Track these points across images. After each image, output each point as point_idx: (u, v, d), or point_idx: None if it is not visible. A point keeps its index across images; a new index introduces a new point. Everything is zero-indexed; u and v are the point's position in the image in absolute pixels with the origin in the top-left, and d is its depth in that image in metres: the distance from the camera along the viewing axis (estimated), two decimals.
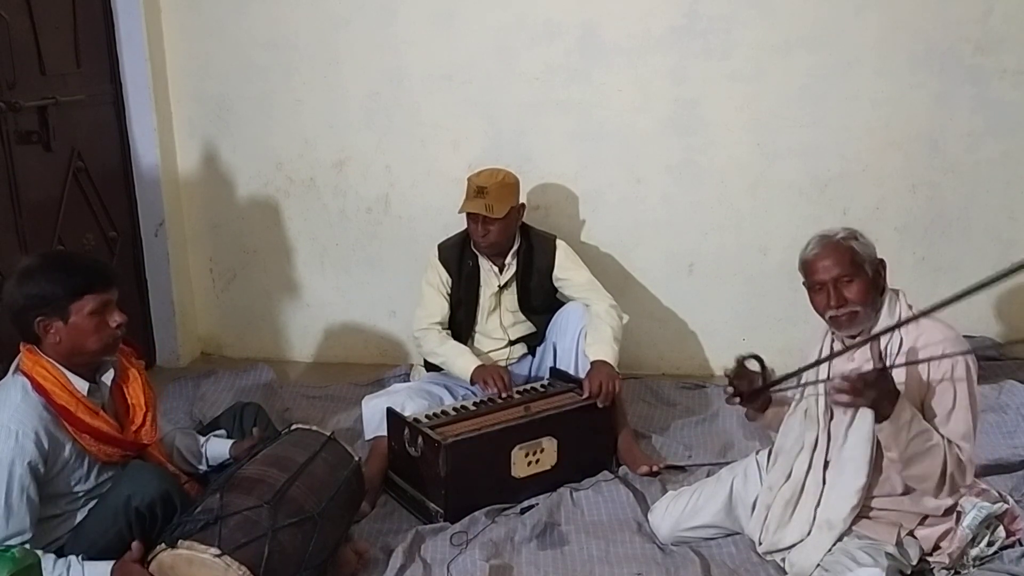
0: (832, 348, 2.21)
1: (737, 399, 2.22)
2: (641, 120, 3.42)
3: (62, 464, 1.99)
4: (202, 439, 2.42)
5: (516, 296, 3.03)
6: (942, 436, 2.02)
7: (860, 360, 2.11)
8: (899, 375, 2.05)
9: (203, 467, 2.38)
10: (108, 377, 2.14)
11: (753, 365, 2.19)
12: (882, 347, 2.07)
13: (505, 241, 2.95)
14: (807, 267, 2.14)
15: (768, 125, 3.38)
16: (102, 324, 2.04)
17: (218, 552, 1.89)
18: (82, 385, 2.05)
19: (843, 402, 2.00)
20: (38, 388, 1.98)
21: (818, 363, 2.17)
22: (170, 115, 3.61)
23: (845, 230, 2.14)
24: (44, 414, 1.97)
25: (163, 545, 1.92)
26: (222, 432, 2.47)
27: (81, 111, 3.24)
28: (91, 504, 2.06)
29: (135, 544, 1.93)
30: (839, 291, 2.08)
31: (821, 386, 2.18)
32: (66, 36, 3.18)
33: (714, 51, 3.32)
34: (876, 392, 1.95)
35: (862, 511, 2.12)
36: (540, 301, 3.04)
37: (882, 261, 2.15)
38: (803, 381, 2.19)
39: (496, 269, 3.00)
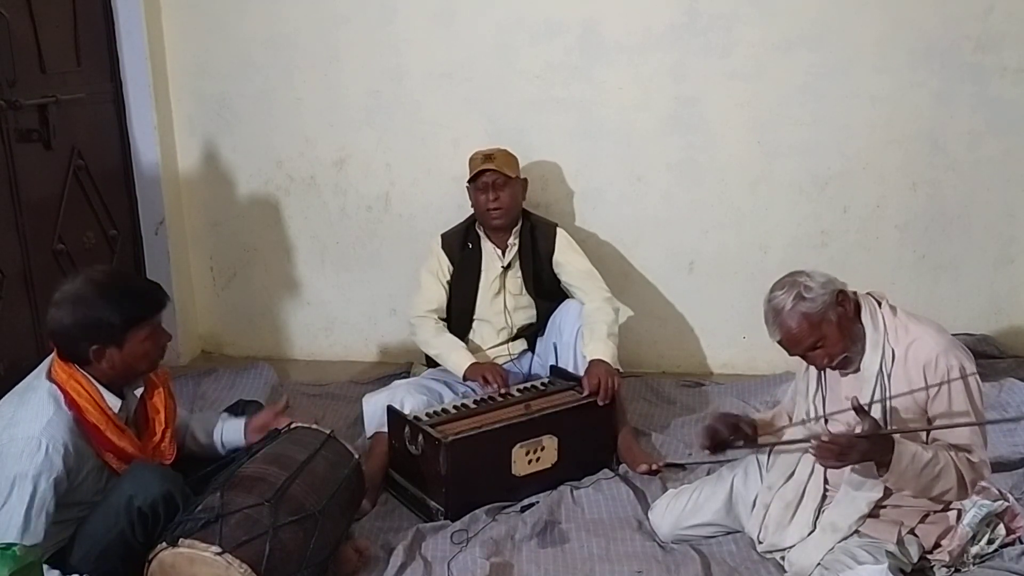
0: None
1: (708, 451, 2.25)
2: (641, 118, 3.42)
3: (83, 477, 1.98)
4: (220, 416, 2.42)
5: (521, 279, 3.03)
6: (948, 444, 2.02)
7: (854, 392, 2.09)
8: (897, 386, 2.05)
9: (209, 441, 2.36)
10: (138, 390, 2.13)
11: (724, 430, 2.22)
12: (878, 361, 2.06)
13: (513, 209, 2.98)
14: (781, 346, 2.11)
15: (768, 123, 3.38)
16: (153, 346, 2.05)
17: (219, 550, 1.89)
18: (114, 402, 2.03)
19: (830, 466, 2.02)
20: (70, 403, 1.96)
21: (795, 440, 2.20)
22: (170, 113, 3.61)
23: (788, 291, 2.03)
24: (74, 428, 1.95)
25: (164, 544, 1.92)
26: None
27: (81, 109, 3.23)
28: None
29: None
30: (817, 354, 2.07)
31: (816, 407, 2.19)
32: (66, 34, 3.18)
33: (715, 49, 3.32)
34: (860, 454, 1.95)
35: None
36: (547, 283, 3.05)
37: (841, 291, 2.06)
38: (792, 430, 2.22)
39: (499, 252, 3.00)
